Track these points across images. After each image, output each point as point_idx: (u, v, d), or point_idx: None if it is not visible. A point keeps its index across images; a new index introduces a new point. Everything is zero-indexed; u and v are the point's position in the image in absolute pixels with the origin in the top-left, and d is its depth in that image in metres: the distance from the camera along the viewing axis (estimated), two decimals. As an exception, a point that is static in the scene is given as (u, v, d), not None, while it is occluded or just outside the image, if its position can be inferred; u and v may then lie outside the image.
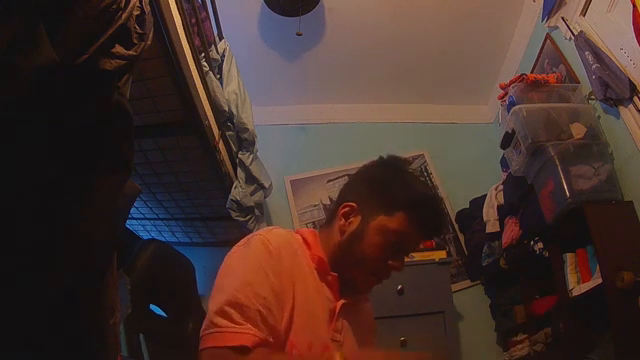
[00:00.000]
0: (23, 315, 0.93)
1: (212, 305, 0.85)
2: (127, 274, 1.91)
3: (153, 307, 2.23)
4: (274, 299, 0.86)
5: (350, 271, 1.01)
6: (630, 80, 1.98)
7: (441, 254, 2.76)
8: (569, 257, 2.16)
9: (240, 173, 2.60)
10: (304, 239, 1.03)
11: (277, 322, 0.85)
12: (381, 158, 1.09)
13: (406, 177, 1.06)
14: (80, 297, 1.06)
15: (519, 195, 2.54)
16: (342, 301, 1.00)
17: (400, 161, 1.09)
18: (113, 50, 1.01)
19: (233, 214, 2.56)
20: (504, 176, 2.89)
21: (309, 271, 0.97)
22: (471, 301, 3.07)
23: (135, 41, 1.09)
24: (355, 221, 1.02)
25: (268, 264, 0.89)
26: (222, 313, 0.82)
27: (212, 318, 0.83)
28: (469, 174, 3.41)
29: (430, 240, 1.11)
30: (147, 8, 1.19)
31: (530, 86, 2.41)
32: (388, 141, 3.56)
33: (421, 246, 2.80)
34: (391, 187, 1.03)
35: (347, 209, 1.03)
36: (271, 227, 1.00)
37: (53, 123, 0.93)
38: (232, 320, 0.81)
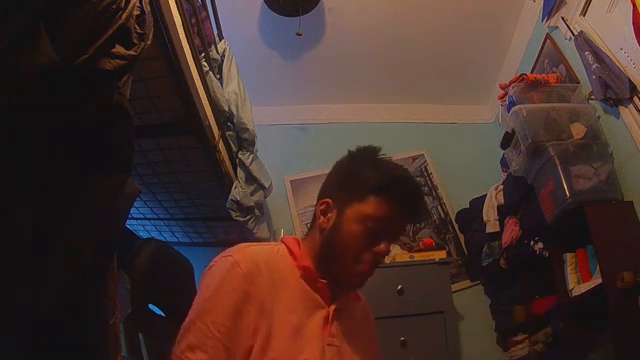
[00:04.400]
0: (23, 315, 0.93)
1: (184, 323, 0.89)
2: (126, 273, 1.91)
3: (151, 307, 2.23)
4: (236, 325, 0.86)
5: (337, 267, 0.99)
6: (630, 80, 1.98)
7: (441, 254, 2.76)
8: (569, 257, 2.16)
9: (240, 173, 2.60)
10: (289, 249, 1.03)
11: (239, 346, 0.86)
12: (350, 151, 1.09)
13: (375, 162, 1.05)
14: (80, 297, 1.06)
15: (519, 195, 2.54)
16: (334, 306, 0.99)
17: (369, 149, 1.08)
18: (113, 50, 1.01)
19: (233, 214, 2.56)
20: (504, 176, 2.88)
21: (294, 283, 0.97)
22: (471, 301, 3.07)
23: (135, 41, 1.09)
24: (332, 216, 1.01)
25: (232, 288, 0.89)
26: (181, 337, 0.87)
27: (177, 339, 0.88)
28: (469, 174, 3.41)
29: (412, 222, 1.07)
30: (147, 8, 1.19)
31: (530, 86, 2.40)
32: (388, 141, 3.49)
33: (420, 245, 2.81)
34: (360, 174, 1.02)
35: (323, 206, 1.04)
36: (245, 244, 0.99)
37: (53, 123, 0.93)
38: (188, 346, 0.85)
